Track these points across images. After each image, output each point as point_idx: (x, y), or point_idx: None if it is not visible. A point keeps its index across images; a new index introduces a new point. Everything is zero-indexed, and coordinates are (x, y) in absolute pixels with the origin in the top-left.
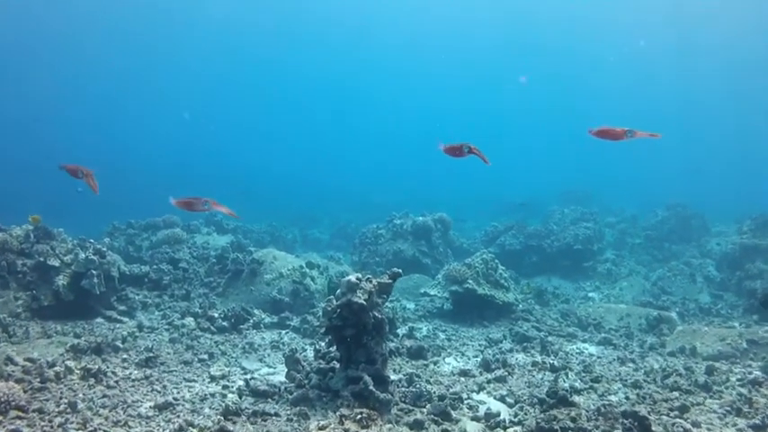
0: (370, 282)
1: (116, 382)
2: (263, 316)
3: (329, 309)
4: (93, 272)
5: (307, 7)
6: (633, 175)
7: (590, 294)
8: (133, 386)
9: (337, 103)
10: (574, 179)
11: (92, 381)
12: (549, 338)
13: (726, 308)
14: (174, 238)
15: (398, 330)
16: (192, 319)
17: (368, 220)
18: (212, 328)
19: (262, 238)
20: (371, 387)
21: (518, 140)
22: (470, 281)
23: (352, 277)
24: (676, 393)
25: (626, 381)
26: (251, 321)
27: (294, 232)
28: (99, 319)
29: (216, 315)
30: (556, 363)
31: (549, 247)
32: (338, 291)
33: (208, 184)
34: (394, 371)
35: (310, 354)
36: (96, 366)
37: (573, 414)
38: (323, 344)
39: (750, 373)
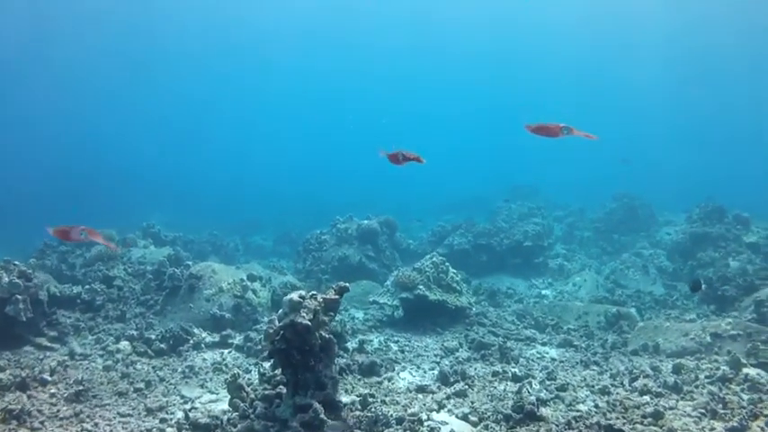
0: (315, 299)
1: (41, 422)
2: (203, 335)
3: (271, 331)
4: (19, 297)
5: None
6: (577, 169)
7: (543, 292)
8: (61, 426)
9: (278, 104)
10: (520, 175)
11: (14, 424)
12: (508, 343)
13: (681, 299)
14: (108, 254)
15: (348, 344)
16: (127, 342)
17: (313, 225)
18: (149, 351)
19: (203, 248)
20: (322, 415)
21: (466, 137)
22: (421, 286)
23: (295, 295)
24: (647, 398)
25: (593, 387)
26: (191, 342)
27: (236, 240)
28: (27, 348)
29: (153, 337)
30: (517, 371)
31: (499, 245)
32: (280, 311)
33: (148, 192)
34: (346, 391)
35: (255, 376)
36: (20, 406)
37: (543, 430)
38: (267, 365)
39: (717, 368)
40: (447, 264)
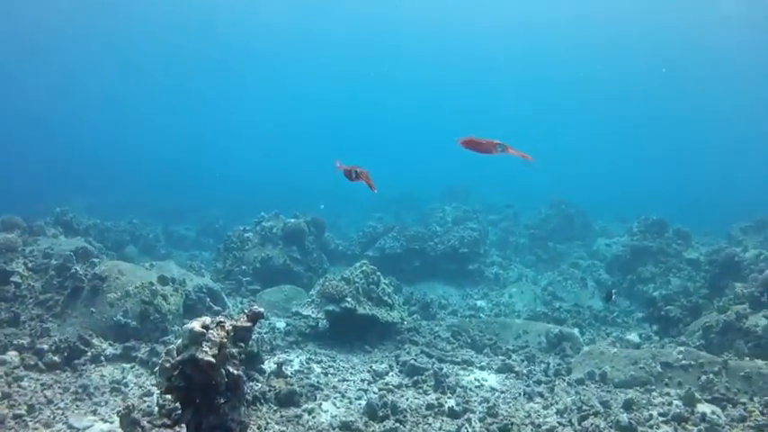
0: (222, 328)
1: None
2: (104, 346)
3: (167, 365)
4: None
5: None
6: (509, 170)
7: (479, 303)
8: None
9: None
10: (454, 175)
11: None
12: (443, 367)
13: (621, 315)
14: (7, 245)
15: (265, 365)
16: (15, 353)
17: (239, 217)
18: (40, 364)
19: (120, 237)
20: None
21: (403, 136)
22: (349, 299)
23: (197, 325)
24: None
25: (539, 426)
26: (89, 354)
27: (157, 230)
28: None
29: (46, 347)
30: (454, 404)
31: (433, 250)
32: (179, 341)
33: (73, 174)
34: (259, 428)
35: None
36: None
37: None
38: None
39: (669, 403)
40: (378, 273)
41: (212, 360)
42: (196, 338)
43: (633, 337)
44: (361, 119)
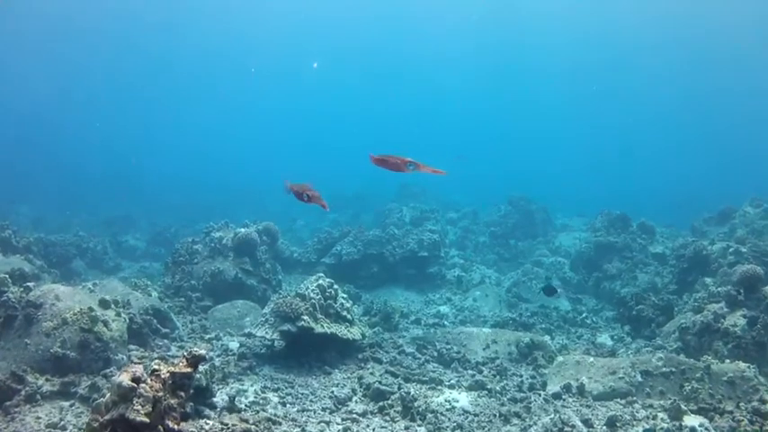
0: (158, 377)
1: None
2: (39, 382)
3: (95, 425)
4: None
5: None
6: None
7: (442, 309)
8: None
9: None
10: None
11: None
12: (410, 388)
13: (590, 315)
14: None
15: (217, 397)
16: None
17: (191, 224)
18: None
19: (66, 251)
20: None
21: (353, 133)
22: (305, 317)
23: (126, 378)
24: None
25: None
26: (22, 393)
27: (104, 242)
28: None
29: None
30: None
31: (392, 255)
32: (108, 395)
33: (20, 183)
34: None
35: None
36: None
37: None
38: None
39: (655, 416)
40: (335, 287)
41: (146, 420)
42: (126, 394)
43: (605, 339)
44: (314, 116)
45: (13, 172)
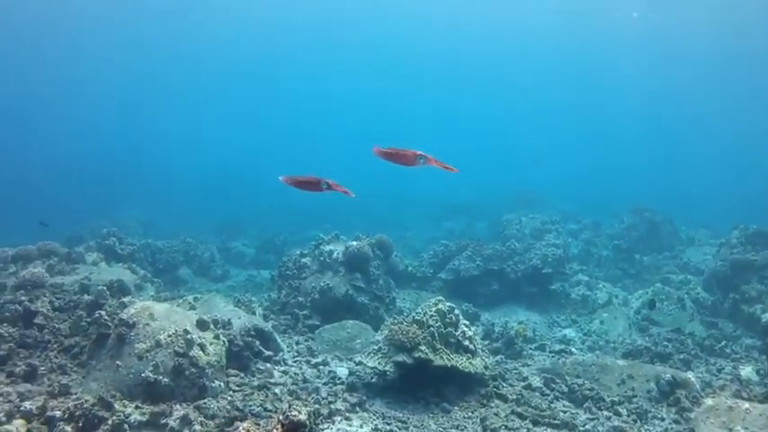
0: None
1: None
2: (128, 410)
3: None
4: None
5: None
6: (575, 173)
7: (567, 333)
8: None
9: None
10: (520, 179)
11: None
12: None
13: (729, 344)
14: (33, 280)
15: None
16: (22, 422)
17: (300, 231)
18: None
19: (173, 258)
20: None
21: (465, 138)
22: (423, 347)
23: None
24: None
25: None
26: (109, 423)
27: (212, 249)
28: None
29: (58, 414)
30: None
31: (513, 271)
32: None
33: (131, 187)
34: None
35: None
36: None
37: None
38: None
39: None
40: (457, 312)
41: None
42: None
43: (750, 373)
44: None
45: (124, 176)
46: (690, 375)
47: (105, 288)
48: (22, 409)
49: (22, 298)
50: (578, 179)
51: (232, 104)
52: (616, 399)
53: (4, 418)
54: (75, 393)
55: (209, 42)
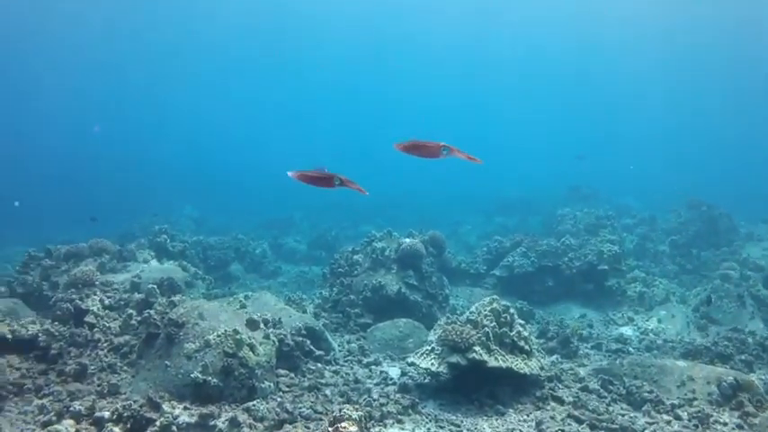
0: None
1: None
2: (176, 412)
3: None
4: None
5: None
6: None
7: (623, 331)
8: None
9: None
10: (573, 173)
11: None
12: None
13: None
14: (83, 279)
15: None
16: (71, 423)
17: (351, 227)
18: None
19: (225, 255)
20: None
21: (514, 132)
22: (478, 347)
23: None
24: None
25: None
26: (157, 425)
27: (263, 245)
28: None
29: (106, 415)
30: None
31: (568, 268)
32: None
33: (185, 185)
34: None
35: None
36: None
37: None
38: None
39: None
40: (512, 311)
41: None
42: None
43: None
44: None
45: (180, 175)
46: (753, 377)
47: (155, 286)
48: (71, 409)
49: (73, 296)
50: (633, 174)
51: (284, 104)
52: (676, 402)
53: (54, 418)
54: (125, 393)
55: (273, 49)
